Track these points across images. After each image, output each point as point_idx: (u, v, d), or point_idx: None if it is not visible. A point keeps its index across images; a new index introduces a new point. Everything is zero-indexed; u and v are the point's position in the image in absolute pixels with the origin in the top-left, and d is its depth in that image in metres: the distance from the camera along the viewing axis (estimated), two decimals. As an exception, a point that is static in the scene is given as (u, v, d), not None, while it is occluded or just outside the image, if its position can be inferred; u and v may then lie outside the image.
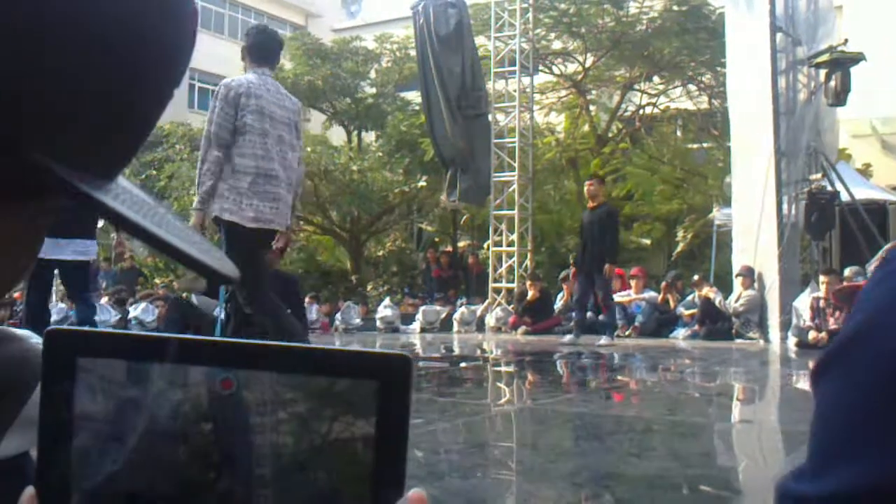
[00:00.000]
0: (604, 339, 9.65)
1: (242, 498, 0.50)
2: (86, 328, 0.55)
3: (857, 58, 10.69)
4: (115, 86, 0.37)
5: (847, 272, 9.78)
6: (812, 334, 9.21)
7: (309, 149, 17.72)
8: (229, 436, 0.51)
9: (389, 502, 0.52)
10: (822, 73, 10.92)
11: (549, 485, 2.71)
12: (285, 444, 0.50)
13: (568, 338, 10.02)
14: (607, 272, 9.47)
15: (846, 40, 11.02)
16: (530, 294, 12.74)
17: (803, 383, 6.71)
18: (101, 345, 0.51)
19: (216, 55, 21.77)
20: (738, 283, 10.95)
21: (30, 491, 0.50)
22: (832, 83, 10.57)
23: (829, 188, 10.93)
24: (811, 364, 0.56)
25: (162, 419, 0.51)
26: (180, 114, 22.28)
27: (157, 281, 20.33)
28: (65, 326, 0.54)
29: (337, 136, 22.42)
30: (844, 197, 10.98)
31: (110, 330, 0.55)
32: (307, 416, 0.51)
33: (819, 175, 11.06)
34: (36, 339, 0.96)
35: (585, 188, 10.08)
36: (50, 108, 0.34)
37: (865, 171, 15.69)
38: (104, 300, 13.95)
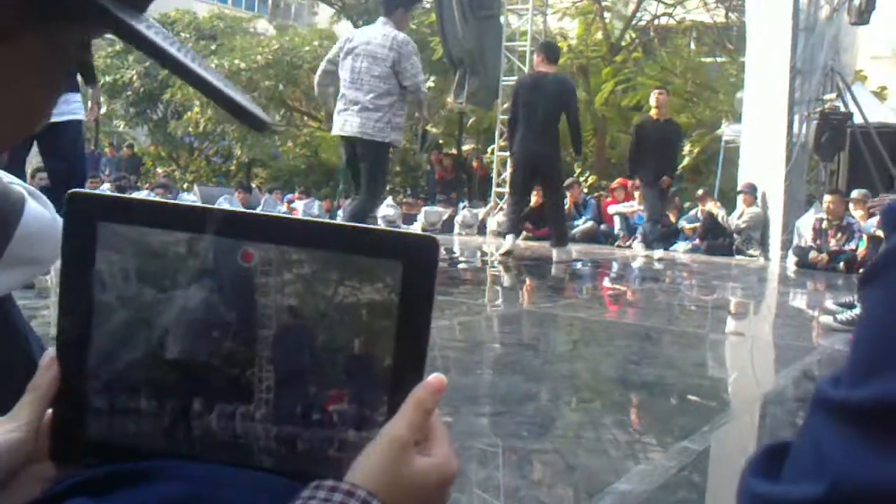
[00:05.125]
0: (657, 252, 9.87)
1: (245, 358, 0.51)
2: (108, 193, 0.55)
3: (886, -27, 10.35)
4: None
5: (855, 194, 9.73)
6: (812, 254, 9.23)
7: (316, 43, 17.37)
8: (241, 300, 0.52)
9: (409, 384, 0.53)
10: (847, -12, 10.60)
11: (548, 385, 2.76)
12: (293, 306, 0.51)
13: (643, 251, 10.20)
14: (665, 184, 9.61)
15: (875, -46, 10.64)
16: (533, 200, 12.71)
17: (800, 301, 6.79)
18: (123, 210, 0.51)
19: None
20: (740, 199, 10.94)
21: (51, 353, 0.51)
22: (856, 0, 10.27)
23: (843, 109, 10.77)
24: (857, 280, 0.55)
25: (180, 286, 0.51)
26: (186, 1, 21.75)
27: (159, 170, 20.24)
28: (87, 190, 0.54)
29: (345, 30, 21.94)
30: (857, 119, 10.83)
31: (132, 196, 0.55)
32: (319, 280, 0.52)
33: (833, 95, 10.88)
34: (10, 179, 0.92)
35: (655, 96, 9.93)
36: None
37: (881, 94, 15.45)
38: (105, 186, 13.95)
